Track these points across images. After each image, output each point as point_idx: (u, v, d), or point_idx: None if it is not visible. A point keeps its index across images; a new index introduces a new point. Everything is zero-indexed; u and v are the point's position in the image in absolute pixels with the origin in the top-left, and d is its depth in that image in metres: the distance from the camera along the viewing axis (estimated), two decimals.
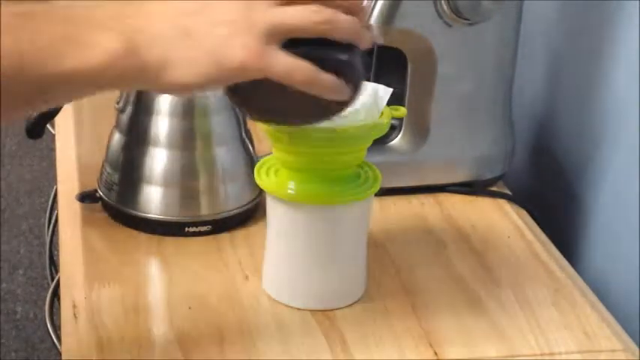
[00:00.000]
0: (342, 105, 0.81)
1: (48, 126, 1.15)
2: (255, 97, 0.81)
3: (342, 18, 0.77)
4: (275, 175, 0.97)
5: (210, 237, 1.09)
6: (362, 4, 0.80)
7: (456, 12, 1.10)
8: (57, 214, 1.16)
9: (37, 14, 0.73)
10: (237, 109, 1.10)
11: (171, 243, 1.08)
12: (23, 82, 0.72)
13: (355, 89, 0.80)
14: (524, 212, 1.19)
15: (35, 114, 1.10)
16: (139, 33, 0.74)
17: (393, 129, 1.18)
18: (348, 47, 0.79)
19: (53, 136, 1.32)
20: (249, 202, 1.12)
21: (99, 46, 0.73)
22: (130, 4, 0.76)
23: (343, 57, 0.79)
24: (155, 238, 1.08)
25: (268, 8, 0.76)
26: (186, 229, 1.09)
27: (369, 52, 0.81)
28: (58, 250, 1.09)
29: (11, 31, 0.71)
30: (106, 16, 0.75)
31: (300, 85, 0.76)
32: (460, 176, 1.21)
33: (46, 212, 1.61)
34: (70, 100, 0.86)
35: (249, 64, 0.75)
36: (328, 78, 0.77)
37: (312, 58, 0.76)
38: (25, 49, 0.71)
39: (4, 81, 0.71)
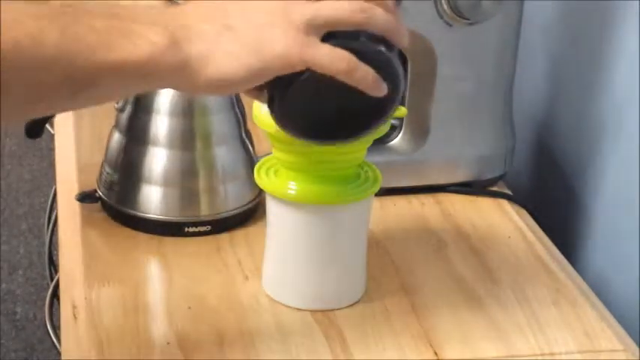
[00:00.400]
0: (382, 111, 0.82)
1: (47, 126, 1.15)
2: (295, 109, 0.81)
3: (379, 10, 0.79)
4: (275, 175, 0.97)
5: (210, 237, 1.09)
6: (394, 4, 0.82)
7: (456, 12, 1.10)
8: (56, 214, 1.16)
9: (81, 9, 0.75)
10: (238, 108, 1.10)
11: (171, 243, 1.08)
12: (70, 72, 0.73)
13: (394, 88, 0.80)
14: (524, 212, 1.19)
15: None
16: (181, 29, 0.76)
17: (393, 129, 1.18)
18: (386, 44, 0.80)
19: (53, 136, 1.32)
20: (249, 202, 1.12)
21: (145, 39, 0.74)
22: (170, 5, 0.79)
23: (382, 49, 0.79)
24: (155, 238, 1.08)
25: (305, 4, 0.78)
26: (186, 229, 1.09)
27: (403, 63, 0.82)
28: (57, 250, 1.09)
29: (58, 22, 0.73)
30: (149, 14, 0.77)
31: (343, 75, 0.77)
32: (460, 176, 1.21)
33: (45, 212, 1.61)
34: (113, 97, 0.89)
35: (290, 53, 0.76)
36: (369, 69, 0.78)
37: (353, 51, 0.77)
38: (72, 39, 0.73)
39: (50, 71, 0.72)
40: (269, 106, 0.82)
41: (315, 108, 0.82)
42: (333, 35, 0.78)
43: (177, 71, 0.76)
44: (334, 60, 0.77)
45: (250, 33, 0.77)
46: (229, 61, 0.76)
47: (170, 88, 0.82)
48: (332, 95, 0.80)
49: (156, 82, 0.79)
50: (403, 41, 0.81)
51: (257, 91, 0.83)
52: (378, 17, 0.79)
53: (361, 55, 0.78)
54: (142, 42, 0.74)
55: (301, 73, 0.78)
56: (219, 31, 0.76)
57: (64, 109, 0.90)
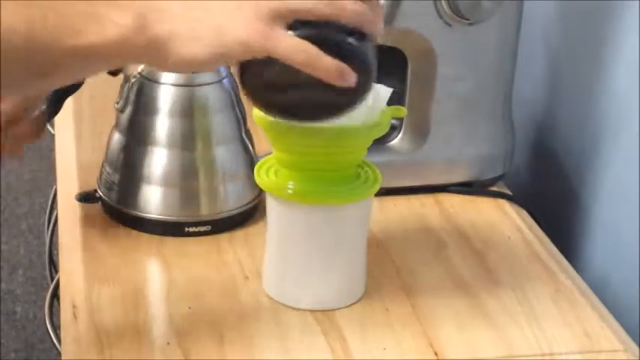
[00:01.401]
0: (352, 99, 0.80)
1: (48, 126, 1.15)
2: (265, 88, 0.81)
3: (348, 3, 0.78)
4: (275, 175, 0.97)
5: (210, 237, 1.09)
6: None
7: (456, 12, 1.10)
8: (57, 214, 1.16)
9: None
10: (238, 108, 1.10)
11: (171, 243, 1.08)
12: (37, 55, 0.74)
13: (364, 78, 0.79)
14: (524, 212, 1.19)
15: (35, 114, 1.10)
16: (148, 9, 0.76)
17: (393, 129, 1.18)
18: (359, 35, 0.79)
19: (53, 136, 1.32)
20: (249, 202, 1.12)
21: (112, 23, 0.75)
22: None
23: (349, 40, 0.78)
24: (155, 238, 1.08)
25: None
26: (186, 229, 1.09)
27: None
28: (57, 250, 1.09)
29: (24, 9, 0.73)
30: None
31: (302, 66, 0.76)
32: (460, 176, 1.21)
33: (45, 212, 1.61)
34: (82, 77, 0.89)
35: (251, 42, 0.76)
36: (331, 61, 0.77)
37: (316, 41, 0.76)
38: (38, 24, 0.73)
39: (17, 53, 0.73)
40: (239, 84, 0.82)
41: (281, 88, 0.81)
42: (302, 24, 0.77)
43: (144, 52, 0.76)
44: (294, 51, 0.76)
45: (215, 16, 0.77)
46: (193, 43, 0.76)
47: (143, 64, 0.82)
48: (297, 80, 0.78)
49: (124, 62, 0.81)
50: (376, 30, 0.80)
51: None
52: (347, 8, 0.78)
53: (327, 46, 0.76)
54: (109, 25, 0.75)
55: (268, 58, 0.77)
56: (186, 11, 0.77)
57: (35, 91, 0.91)
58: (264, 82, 0.81)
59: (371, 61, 0.80)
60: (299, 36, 0.77)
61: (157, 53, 0.76)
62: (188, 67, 0.79)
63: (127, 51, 0.76)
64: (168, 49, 0.76)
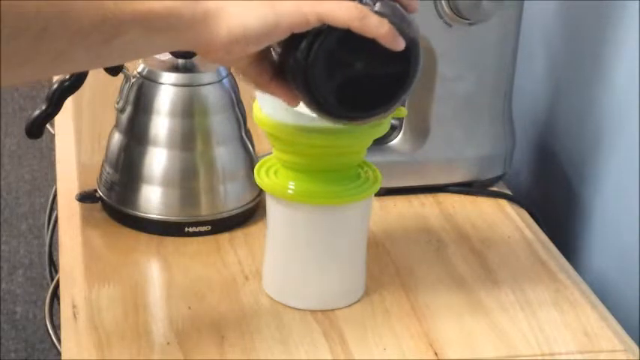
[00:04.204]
0: (402, 80, 0.82)
1: (48, 126, 1.15)
2: (321, 69, 0.81)
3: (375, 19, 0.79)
4: (275, 175, 0.97)
5: (210, 237, 1.09)
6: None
7: (456, 12, 1.10)
8: (57, 214, 1.16)
9: None
10: (238, 108, 1.10)
11: (171, 243, 1.08)
12: (99, 18, 0.76)
13: (411, 43, 0.80)
14: (524, 212, 1.19)
15: (35, 114, 1.10)
16: None
17: (393, 129, 1.18)
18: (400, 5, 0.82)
19: (53, 136, 1.32)
20: (249, 202, 1.12)
21: None
22: None
23: (397, 5, 0.82)
24: (155, 238, 1.08)
25: None
26: (186, 229, 1.09)
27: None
28: (57, 250, 1.09)
29: None
30: None
31: (356, 23, 0.78)
32: (460, 176, 1.21)
33: (45, 212, 1.61)
34: (139, 54, 0.90)
35: (303, 6, 0.78)
36: (383, 19, 0.79)
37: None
38: None
39: (81, 15, 0.75)
40: (284, 68, 0.82)
41: (332, 75, 0.82)
42: None
43: (198, 22, 0.78)
44: (346, 9, 0.78)
45: None
46: (246, 12, 0.78)
47: (192, 45, 0.82)
48: (351, 62, 0.81)
49: (179, 35, 0.80)
50: (413, 5, 0.83)
51: (258, 67, 0.84)
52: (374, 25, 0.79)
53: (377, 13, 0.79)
54: None
55: (318, 34, 0.79)
56: None
57: (103, 59, 0.90)
58: (321, 60, 0.81)
59: (417, 36, 0.82)
60: None
61: (210, 23, 0.78)
62: (238, 42, 0.79)
63: (182, 21, 0.78)
64: (219, 23, 0.78)
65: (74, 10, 0.75)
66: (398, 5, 0.82)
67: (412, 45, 0.81)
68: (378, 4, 0.80)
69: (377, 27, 0.79)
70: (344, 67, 0.81)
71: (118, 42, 0.78)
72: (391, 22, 0.79)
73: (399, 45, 0.80)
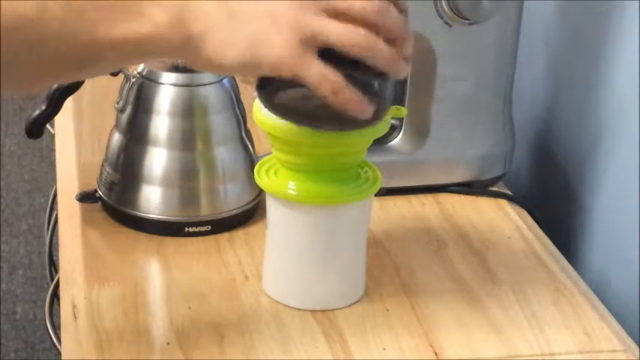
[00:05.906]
0: (362, 123, 0.83)
1: (48, 126, 1.15)
2: (281, 96, 0.82)
3: (383, 48, 0.79)
4: (275, 175, 0.97)
5: (210, 237, 1.09)
6: (410, 36, 0.82)
7: (456, 12, 1.10)
8: (57, 214, 1.16)
9: None
10: (238, 108, 1.10)
11: (171, 243, 1.08)
12: (74, 46, 0.75)
13: (378, 113, 0.82)
14: (524, 212, 1.19)
15: (35, 114, 1.10)
16: (185, 8, 0.77)
17: (393, 129, 1.18)
18: (383, 75, 0.81)
19: (53, 136, 1.32)
20: (249, 202, 1.12)
21: (148, 17, 0.76)
22: None
23: (374, 82, 0.81)
24: (155, 238, 1.08)
25: (317, 16, 0.78)
26: (186, 229, 1.09)
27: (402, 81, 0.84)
28: (57, 250, 1.09)
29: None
30: None
31: (327, 95, 0.78)
32: (460, 176, 1.21)
33: (45, 212, 1.61)
34: (117, 68, 0.93)
35: (284, 62, 0.77)
36: (355, 95, 0.79)
37: (344, 74, 0.78)
38: (75, 15, 0.75)
39: (56, 44, 0.75)
40: (256, 88, 0.83)
41: (297, 100, 0.83)
42: (329, 52, 0.78)
43: (178, 49, 0.78)
44: (322, 81, 0.78)
45: (252, 27, 0.77)
46: (226, 48, 0.77)
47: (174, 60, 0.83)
48: (316, 103, 0.81)
49: (158, 57, 0.82)
50: (401, 75, 0.82)
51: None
52: (380, 55, 0.79)
53: (352, 81, 0.79)
54: (145, 20, 0.76)
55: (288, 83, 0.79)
56: (223, 14, 0.77)
57: (71, 81, 0.93)
58: (285, 100, 0.82)
59: (389, 101, 0.83)
60: (330, 66, 0.78)
61: (189, 51, 0.78)
62: (215, 70, 0.80)
63: (159, 47, 0.77)
64: (201, 50, 0.77)
65: (48, 41, 0.75)
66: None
67: (379, 108, 0.82)
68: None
69: (348, 103, 0.79)
70: (309, 117, 0.84)
71: (91, 68, 0.79)
72: (367, 85, 0.80)
73: (365, 115, 0.80)
